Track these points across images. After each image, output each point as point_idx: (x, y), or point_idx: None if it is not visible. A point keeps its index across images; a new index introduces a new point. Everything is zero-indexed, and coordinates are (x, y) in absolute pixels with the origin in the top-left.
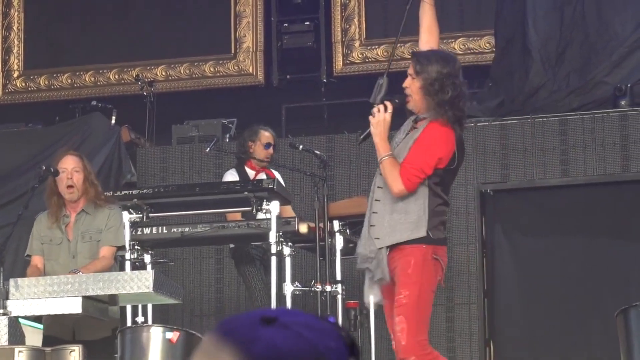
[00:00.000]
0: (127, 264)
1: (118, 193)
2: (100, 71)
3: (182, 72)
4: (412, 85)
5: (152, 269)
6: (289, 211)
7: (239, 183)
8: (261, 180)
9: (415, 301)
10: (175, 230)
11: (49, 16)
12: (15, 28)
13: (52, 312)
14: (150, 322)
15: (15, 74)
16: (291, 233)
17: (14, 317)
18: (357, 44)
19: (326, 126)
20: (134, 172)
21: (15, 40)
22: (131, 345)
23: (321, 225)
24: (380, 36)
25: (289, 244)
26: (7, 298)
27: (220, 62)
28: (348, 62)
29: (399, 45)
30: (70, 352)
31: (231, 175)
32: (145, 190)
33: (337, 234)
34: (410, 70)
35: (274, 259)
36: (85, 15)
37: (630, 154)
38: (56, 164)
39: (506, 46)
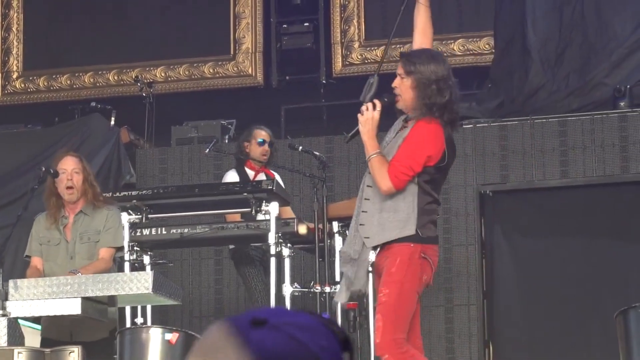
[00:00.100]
0: (127, 265)
1: (117, 194)
2: (100, 72)
3: (181, 73)
4: (401, 85)
5: (151, 270)
6: (288, 212)
7: (238, 184)
8: (260, 181)
9: (394, 300)
10: (174, 231)
11: (48, 17)
12: (14, 29)
13: (52, 313)
14: (149, 323)
15: (15, 75)
16: (290, 234)
17: (13, 318)
18: (356, 45)
19: (325, 127)
20: (133, 173)
21: (15, 41)
22: (130, 347)
23: (320, 226)
24: (380, 37)
25: (288, 245)
26: (6, 299)
27: (220, 63)
28: (347, 63)
29: (398, 46)
30: (70, 353)
31: (232, 176)
32: (144, 191)
33: (337, 235)
34: (400, 70)
35: (273, 260)
36: (85, 17)
37: (630, 155)
38: (55, 165)
39: (505, 47)
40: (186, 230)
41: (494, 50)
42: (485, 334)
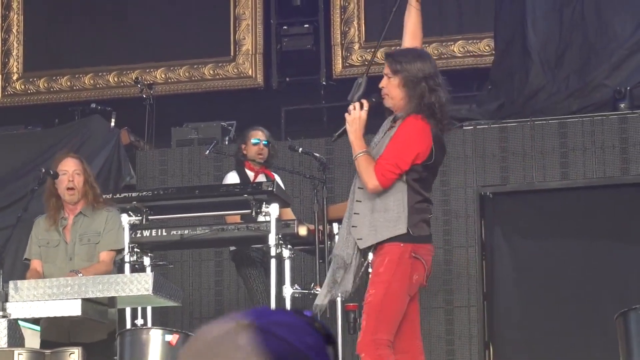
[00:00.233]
0: (127, 267)
1: (117, 195)
2: (100, 74)
3: (181, 74)
4: (388, 85)
5: (151, 271)
6: (288, 214)
7: (238, 185)
8: (261, 182)
9: (379, 300)
10: (174, 232)
11: (48, 19)
12: (14, 30)
13: (52, 315)
14: (149, 324)
15: (15, 77)
16: (290, 235)
17: (14, 319)
18: (356, 46)
19: (325, 129)
20: (134, 175)
21: (15, 42)
22: (131, 348)
23: (320, 227)
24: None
25: (289, 246)
26: (6, 300)
27: (220, 64)
28: (347, 64)
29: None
30: (70, 354)
31: (232, 177)
32: (144, 193)
33: (337, 237)
34: (386, 70)
35: (273, 262)
36: (85, 18)
37: (630, 156)
38: (56, 167)
39: (506, 48)
40: (186, 231)
41: (494, 52)
42: (486, 336)
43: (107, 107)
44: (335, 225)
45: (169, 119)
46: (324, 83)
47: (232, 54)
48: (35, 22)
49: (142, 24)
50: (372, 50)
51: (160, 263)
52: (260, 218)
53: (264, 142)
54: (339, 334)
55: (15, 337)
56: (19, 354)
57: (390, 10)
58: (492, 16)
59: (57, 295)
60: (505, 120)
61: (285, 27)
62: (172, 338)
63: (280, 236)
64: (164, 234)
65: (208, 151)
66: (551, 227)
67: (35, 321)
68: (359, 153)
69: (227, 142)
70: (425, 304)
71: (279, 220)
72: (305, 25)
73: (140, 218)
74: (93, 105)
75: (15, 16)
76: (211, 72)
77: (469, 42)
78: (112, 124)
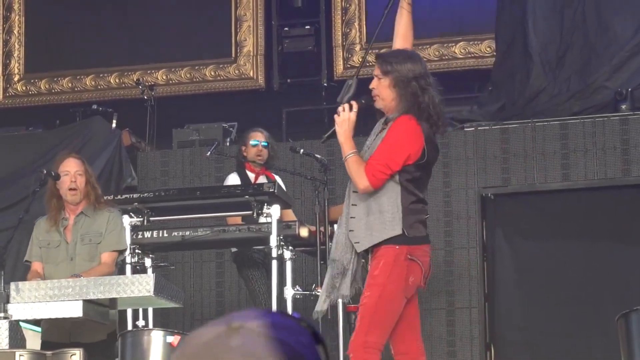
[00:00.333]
0: (128, 268)
1: (119, 197)
2: (101, 75)
3: (182, 76)
4: (379, 86)
5: (152, 272)
6: (290, 215)
7: (239, 187)
8: (262, 184)
9: (374, 302)
10: (175, 234)
11: (49, 20)
12: (16, 32)
13: (53, 316)
14: (150, 325)
15: (16, 78)
16: (292, 237)
17: (15, 320)
18: (357, 47)
19: (327, 130)
20: (135, 176)
21: (16, 44)
22: (132, 349)
23: (322, 229)
24: (381, 40)
25: (290, 247)
26: (7, 302)
27: (221, 66)
28: (349, 66)
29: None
30: (71, 356)
31: (233, 179)
32: (145, 194)
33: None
34: (377, 72)
35: (274, 263)
36: (86, 19)
37: (631, 158)
38: (58, 167)
39: (507, 49)
40: (187, 233)
41: (495, 53)
42: (487, 337)
43: (109, 108)
44: (336, 227)
45: (170, 120)
46: (325, 84)
47: (233, 55)
48: (36, 23)
49: (144, 25)
50: (374, 51)
51: (162, 264)
52: (262, 219)
53: (263, 144)
54: (340, 335)
55: (17, 338)
56: (20, 356)
57: (390, 11)
58: (493, 17)
59: (58, 296)
60: (507, 122)
61: (286, 29)
62: (174, 339)
63: (281, 237)
64: (165, 235)
65: (209, 152)
66: (552, 229)
67: (36, 322)
68: (349, 154)
69: (228, 144)
70: (426, 305)
71: (280, 221)
72: (307, 27)
73: (141, 219)
74: (94, 107)
75: (17, 17)
76: (212, 73)
77: (470, 43)
78: (114, 125)
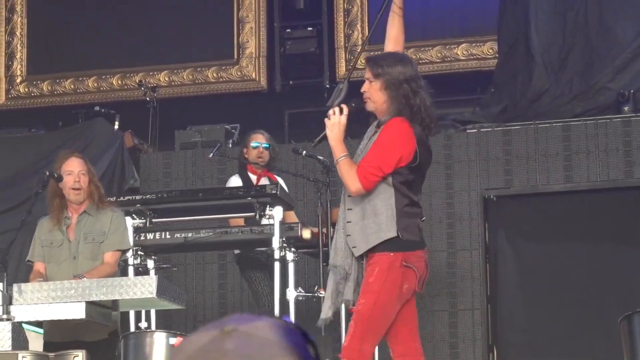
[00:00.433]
0: (131, 269)
1: (121, 198)
2: (103, 77)
3: (185, 77)
4: (370, 89)
5: (155, 274)
6: (292, 217)
7: (242, 188)
8: (264, 185)
9: (368, 310)
10: (178, 235)
11: (51, 22)
12: (18, 33)
13: (56, 318)
14: (153, 327)
15: (18, 80)
16: (294, 238)
17: (18, 322)
18: (359, 49)
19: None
20: (137, 178)
21: (18, 45)
22: (134, 351)
23: (324, 230)
24: (383, 42)
25: (292, 249)
26: (10, 303)
27: (223, 67)
28: (351, 67)
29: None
30: (74, 357)
31: (235, 181)
32: (148, 196)
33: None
34: (368, 75)
35: (277, 265)
36: (88, 21)
37: (634, 159)
38: (60, 166)
39: (509, 51)
40: (190, 234)
41: (497, 55)
42: (489, 339)
43: (111, 110)
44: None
45: (173, 121)
46: (327, 86)
47: (235, 57)
48: (38, 25)
49: (146, 27)
50: (376, 53)
51: (164, 266)
52: (264, 221)
53: (264, 145)
54: (342, 337)
55: (20, 339)
56: (22, 357)
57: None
58: (496, 19)
59: (61, 298)
60: (509, 123)
61: (288, 30)
62: (176, 341)
63: (284, 239)
64: (168, 236)
65: (212, 154)
66: (555, 230)
67: (38, 324)
68: (340, 157)
69: (230, 145)
70: (429, 307)
71: (282, 223)
72: (309, 28)
73: (144, 221)
74: (97, 108)
75: (19, 19)
76: (215, 75)
77: (473, 45)
78: (116, 126)
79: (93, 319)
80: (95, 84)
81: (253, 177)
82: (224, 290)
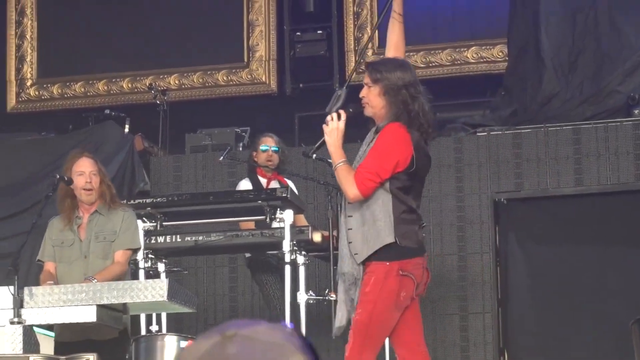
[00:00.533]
0: (141, 273)
1: (132, 202)
2: (114, 80)
3: (195, 80)
4: (369, 94)
5: (166, 277)
6: (301, 221)
7: (252, 192)
8: (275, 189)
9: (366, 320)
10: (189, 239)
11: (62, 25)
12: (28, 37)
13: (67, 321)
14: (164, 330)
15: (29, 83)
16: (305, 242)
17: (29, 325)
18: (369, 52)
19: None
20: (148, 181)
21: (29, 48)
22: (145, 354)
23: (335, 233)
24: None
25: (303, 252)
26: (21, 307)
27: (233, 70)
28: (361, 70)
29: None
30: None
31: (245, 185)
32: (158, 199)
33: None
34: (366, 80)
35: (287, 268)
36: (98, 24)
37: None
38: (71, 166)
39: (519, 54)
40: (201, 237)
41: (507, 58)
42: (500, 342)
43: (121, 113)
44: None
45: (183, 125)
46: (337, 89)
47: (245, 60)
48: (48, 28)
49: (156, 30)
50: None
51: (175, 269)
52: (275, 224)
53: (273, 149)
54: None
55: (31, 343)
56: None
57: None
58: (506, 22)
59: (72, 301)
60: (519, 127)
61: (298, 33)
62: (187, 344)
63: (294, 242)
64: (179, 240)
65: (222, 157)
66: (565, 233)
67: (49, 327)
68: (339, 163)
69: (240, 148)
70: (440, 311)
71: (293, 226)
72: (319, 32)
73: (154, 224)
74: (107, 111)
75: (29, 22)
76: (225, 78)
77: (483, 48)
78: (126, 130)
79: (104, 322)
80: (106, 87)
81: (263, 181)
82: (234, 293)
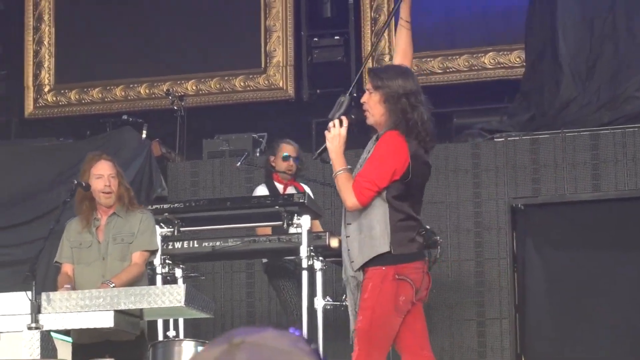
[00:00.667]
0: (159, 278)
1: (149, 207)
2: (131, 85)
3: (212, 86)
4: (369, 100)
5: (183, 283)
6: (317, 226)
7: (269, 197)
8: (292, 194)
9: (367, 326)
10: (206, 244)
11: (79, 31)
12: (46, 43)
13: (84, 326)
14: (181, 336)
15: (47, 89)
16: (322, 247)
17: (46, 331)
18: (387, 58)
19: (356, 140)
20: (165, 187)
21: (46, 54)
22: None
23: None
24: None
25: (320, 258)
26: (39, 312)
27: (251, 76)
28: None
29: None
30: None
31: (261, 191)
32: (176, 205)
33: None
34: (368, 86)
35: (305, 274)
36: (116, 30)
37: None
38: (89, 168)
39: (536, 60)
40: (218, 243)
41: (524, 64)
42: (517, 348)
43: (139, 118)
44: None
45: (200, 130)
46: (354, 95)
47: (262, 65)
48: (66, 34)
49: (173, 36)
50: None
51: (192, 275)
52: (292, 230)
53: (294, 159)
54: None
55: (48, 348)
56: None
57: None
58: (523, 28)
59: (89, 306)
60: (537, 132)
61: (315, 39)
62: (196, 353)
63: (311, 248)
64: (196, 245)
65: (239, 163)
66: (583, 239)
67: (66, 332)
68: (339, 171)
69: (258, 154)
70: (457, 316)
71: (310, 231)
72: (336, 37)
73: (172, 230)
74: (124, 117)
75: (47, 28)
76: (242, 84)
77: (500, 53)
78: (144, 135)
79: (121, 328)
80: (123, 93)
81: (279, 187)
82: (252, 299)
